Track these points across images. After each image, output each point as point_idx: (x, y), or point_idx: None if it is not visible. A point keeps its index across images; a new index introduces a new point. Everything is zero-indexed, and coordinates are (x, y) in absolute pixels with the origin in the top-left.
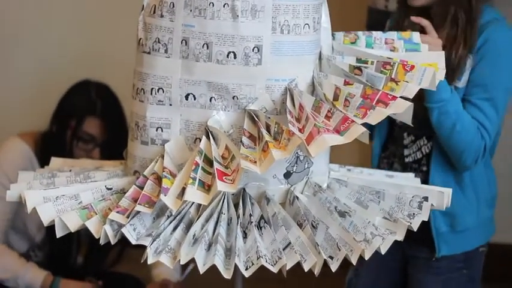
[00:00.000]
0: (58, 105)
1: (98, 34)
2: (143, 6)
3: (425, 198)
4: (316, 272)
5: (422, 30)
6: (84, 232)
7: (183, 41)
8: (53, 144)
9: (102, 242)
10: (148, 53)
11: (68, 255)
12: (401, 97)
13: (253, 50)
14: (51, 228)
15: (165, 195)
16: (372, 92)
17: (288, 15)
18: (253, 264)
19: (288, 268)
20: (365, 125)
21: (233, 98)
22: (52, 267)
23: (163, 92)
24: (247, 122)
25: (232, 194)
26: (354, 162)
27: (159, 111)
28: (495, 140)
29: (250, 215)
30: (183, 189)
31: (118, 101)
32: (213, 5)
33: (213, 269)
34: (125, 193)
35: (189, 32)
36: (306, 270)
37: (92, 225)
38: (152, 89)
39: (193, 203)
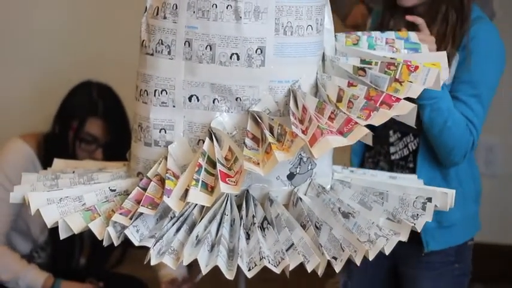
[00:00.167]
0: (60, 106)
1: (99, 35)
2: (146, 7)
3: (429, 199)
4: (320, 272)
5: (410, 29)
6: (87, 233)
7: (186, 43)
8: (55, 145)
9: (105, 243)
10: (152, 54)
11: (70, 257)
12: (404, 98)
13: (256, 52)
14: (54, 229)
15: (168, 197)
16: (375, 94)
17: (291, 17)
18: (256, 265)
19: (291, 269)
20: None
21: (236, 99)
22: (55, 269)
23: (166, 93)
24: (251, 124)
25: (236, 196)
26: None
27: (163, 112)
28: None
29: (253, 216)
30: (186, 191)
31: (120, 102)
32: (216, 7)
33: (216, 270)
34: (128, 195)
35: (192, 33)
36: (309, 271)
37: (95, 227)
38: (155, 90)
39: (196, 204)
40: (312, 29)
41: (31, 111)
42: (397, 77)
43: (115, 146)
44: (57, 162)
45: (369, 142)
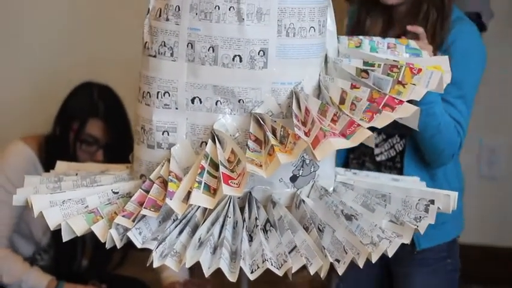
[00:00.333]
0: (61, 107)
1: (99, 35)
2: (149, 9)
3: (432, 202)
4: (323, 275)
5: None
6: (89, 235)
7: (189, 45)
8: (56, 147)
9: (108, 246)
10: (154, 56)
11: (73, 258)
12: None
13: (258, 53)
14: (56, 232)
15: (171, 199)
16: (378, 96)
17: (293, 18)
18: (258, 267)
19: (293, 271)
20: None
21: (239, 101)
22: (57, 271)
23: (169, 95)
24: (253, 126)
25: (238, 198)
26: None
27: (165, 114)
28: None
29: (256, 219)
30: (189, 193)
31: (120, 102)
32: (218, 8)
33: (219, 272)
34: (131, 197)
35: (195, 35)
36: (312, 273)
37: (98, 230)
38: (158, 92)
39: (199, 206)
40: (314, 30)
41: (31, 112)
42: (400, 79)
43: (116, 147)
44: (60, 165)
45: (371, 144)
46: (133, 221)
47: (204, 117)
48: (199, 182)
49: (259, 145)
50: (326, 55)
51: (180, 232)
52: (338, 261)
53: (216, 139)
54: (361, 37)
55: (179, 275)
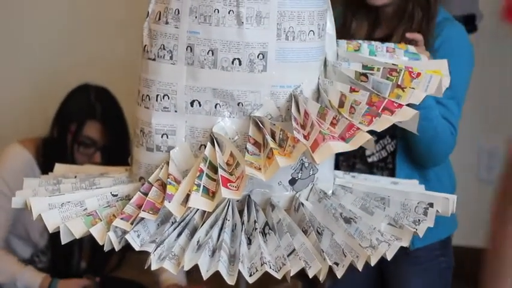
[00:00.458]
0: (58, 109)
1: (98, 37)
2: (148, 13)
3: (431, 205)
4: (322, 278)
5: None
6: (87, 237)
7: (188, 48)
8: (54, 149)
9: (106, 248)
10: (154, 59)
11: (70, 261)
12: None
13: (258, 57)
14: (53, 233)
15: (169, 202)
16: (377, 100)
17: (293, 22)
18: (257, 270)
19: (292, 274)
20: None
21: (238, 104)
22: (55, 273)
23: (168, 98)
24: (252, 129)
25: (237, 201)
26: None
27: (165, 117)
28: None
29: (255, 222)
30: (188, 196)
31: (118, 104)
32: (218, 12)
33: (217, 275)
34: (130, 199)
35: (194, 38)
36: (310, 276)
37: (97, 232)
38: (157, 95)
39: (198, 209)
40: (314, 34)
41: (31, 112)
42: (399, 83)
43: (113, 149)
44: (59, 167)
45: (371, 147)
46: (132, 223)
47: (203, 120)
48: (198, 185)
49: (258, 148)
50: (325, 58)
51: (179, 235)
52: (337, 264)
53: (215, 142)
54: (360, 41)
55: (177, 278)
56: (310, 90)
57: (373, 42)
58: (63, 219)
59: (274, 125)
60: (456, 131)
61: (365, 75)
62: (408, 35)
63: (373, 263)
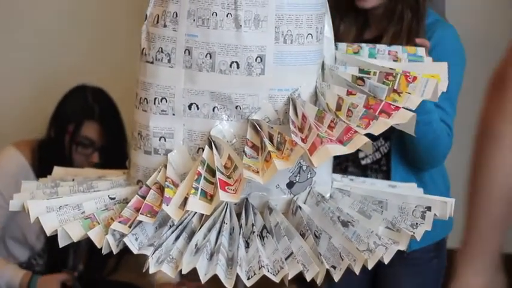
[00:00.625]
0: (55, 110)
1: (96, 38)
2: (146, 16)
3: (428, 208)
4: (319, 281)
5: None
6: (84, 241)
7: (186, 51)
8: (51, 150)
9: (104, 251)
10: (152, 62)
11: (66, 263)
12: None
13: (256, 60)
14: (50, 236)
15: (167, 205)
16: (374, 102)
17: (291, 25)
18: (255, 273)
19: (290, 278)
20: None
21: (236, 107)
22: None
23: (166, 101)
24: (250, 132)
25: (235, 204)
26: None
27: (162, 121)
28: None
29: (253, 225)
30: (186, 199)
31: (115, 105)
32: (216, 15)
33: (215, 278)
34: (127, 203)
35: (192, 41)
36: (308, 279)
37: (94, 235)
38: (155, 98)
39: (196, 212)
40: (312, 37)
41: (30, 113)
42: (395, 87)
43: (111, 149)
44: (57, 170)
45: (369, 150)
46: (130, 227)
47: (201, 124)
48: (196, 188)
49: (256, 151)
50: (323, 62)
51: (177, 238)
52: (334, 267)
53: (213, 145)
54: (362, 44)
55: (171, 277)
56: (308, 93)
57: (376, 46)
58: (61, 222)
59: (272, 128)
60: (452, 132)
61: (361, 79)
62: (418, 41)
63: (370, 266)
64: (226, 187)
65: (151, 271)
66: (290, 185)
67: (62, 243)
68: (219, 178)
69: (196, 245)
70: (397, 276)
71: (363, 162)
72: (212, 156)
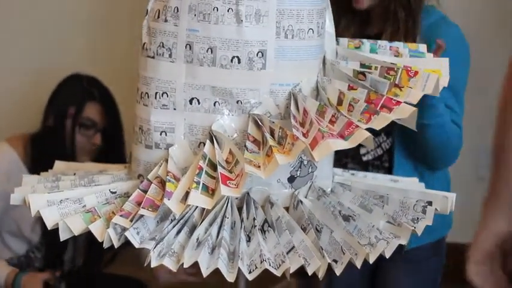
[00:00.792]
0: (51, 99)
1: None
2: (147, 10)
3: (429, 203)
4: (321, 275)
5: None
6: (82, 234)
7: (187, 46)
8: (50, 139)
9: (105, 245)
10: (153, 57)
11: (63, 256)
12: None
13: (257, 55)
14: (46, 229)
15: (169, 199)
16: (376, 97)
17: (292, 20)
18: (256, 267)
19: (291, 271)
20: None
21: (237, 102)
22: (49, 269)
23: (167, 96)
24: (251, 127)
25: (236, 198)
26: None
27: (163, 115)
28: None
29: (254, 219)
30: (187, 193)
31: (109, 90)
32: (217, 10)
33: (217, 272)
34: (128, 197)
35: (193, 36)
36: (310, 273)
37: (96, 229)
38: (156, 93)
39: (197, 207)
40: (313, 32)
41: (26, 108)
42: (396, 82)
43: (112, 131)
44: (58, 165)
45: (371, 145)
46: (131, 220)
47: (202, 118)
48: (198, 183)
49: (257, 146)
50: (324, 57)
51: (178, 232)
52: (336, 261)
53: (214, 140)
54: (363, 39)
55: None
56: (309, 88)
57: (378, 42)
58: (61, 215)
59: (273, 122)
60: (461, 129)
61: (363, 73)
62: (438, 41)
63: (371, 260)
64: (227, 181)
65: (152, 265)
66: (291, 179)
67: (62, 236)
68: (220, 172)
69: (197, 239)
70: (395, 274)
71: (364, 158)
72: (213, 150)
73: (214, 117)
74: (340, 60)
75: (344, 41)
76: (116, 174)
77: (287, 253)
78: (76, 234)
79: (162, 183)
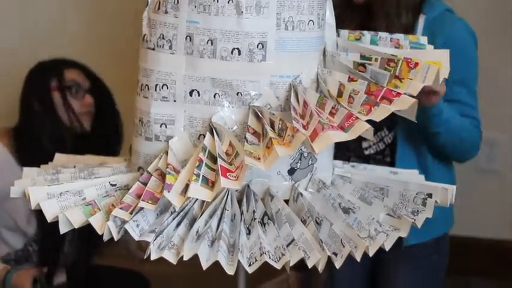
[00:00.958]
0: (26, 87)
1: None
2: (147, 2)
3: (430, 195)
4: (321, 268)
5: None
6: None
7: (188, 37)
8: (40, 121)
9: (105, 238)
10: (153, 49)
11: (59, 249)
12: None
13: (257, 46)
14: (41, 221)
15: (169, 192)
16: (376, 89)
17: (292, 12)
18: (256, 260)
19: (291, 264)
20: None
21: (237, 94)
22: (46, 261)
23: (167, 88)
24: (252, 119)
25: (236, 191)
26: None
27: (164, 107)
28: None
29: (254, 212)
30: (187, 186)
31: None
32: (217, 1)
33: (216, 265)
34: (128, 189)
35: (194, 28)
36: (310, 266)
37: (96, 222)
38: (156, 85)
39: (197, 199)
40: (313, 24)
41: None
42: (396, 73)
43: (99, 89)
44: (58, 157)
45: (370, 137)
46: (131, 213)
47: (202, 110)
48: (197, 175)
49: (257, 138)
50: (324, 48)
51: (178, 225)
52: (335, 254)
53: (214, 132)
54: (363, 31)
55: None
56: (309, 80)
57: (378, 33)
58: (61, 208)
59: (273, 114)
60: (479, 122)
61: (363, 65)
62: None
63: (371, 253)
64: (227, 174)
65: (152, 257)
66: (291, 171)
67: (62, 229)
68: (220, 165)
69: (197, 231)
70: (395, 270)
71: (366, 152)
72: (213, 142)
73: (214, 109)
74: (340, 51)
75: (344, 32)
76: (115, 166)
77: (287, 246)
78: (76, 227)
79: (162, 176)
